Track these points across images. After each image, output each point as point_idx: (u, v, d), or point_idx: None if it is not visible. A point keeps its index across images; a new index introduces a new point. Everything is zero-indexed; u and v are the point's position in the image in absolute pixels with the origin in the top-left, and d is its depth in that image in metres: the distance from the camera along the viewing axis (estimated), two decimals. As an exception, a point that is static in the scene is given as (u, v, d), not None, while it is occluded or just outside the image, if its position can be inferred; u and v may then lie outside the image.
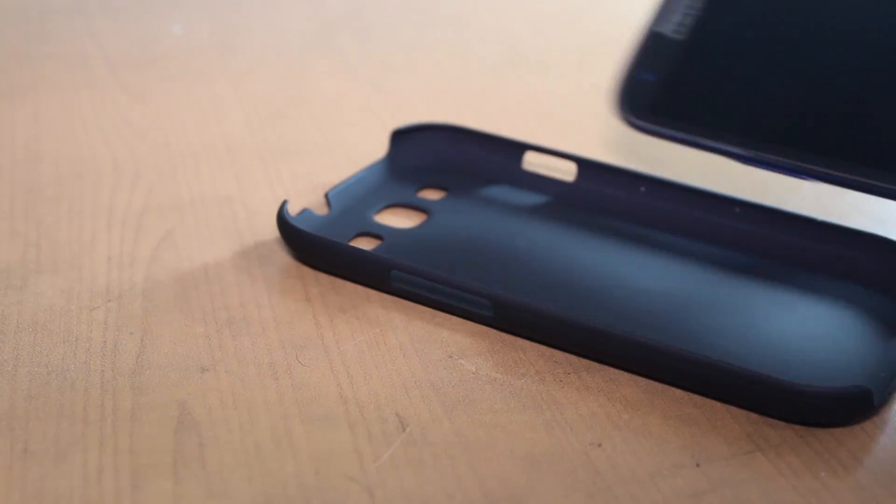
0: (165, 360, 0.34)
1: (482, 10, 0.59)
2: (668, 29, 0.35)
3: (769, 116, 0.35)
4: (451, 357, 0.34)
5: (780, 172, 0.34)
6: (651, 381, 0.33)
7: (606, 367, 0.34)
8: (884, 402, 0.32)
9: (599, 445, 0.31)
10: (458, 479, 0.30)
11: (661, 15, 0.36)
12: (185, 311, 0.36)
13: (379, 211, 0.40)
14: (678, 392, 0.33)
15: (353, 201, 0.40)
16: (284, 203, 0.38)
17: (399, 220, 0.40)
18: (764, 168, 0.34)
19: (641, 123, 0.35)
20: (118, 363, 0.34)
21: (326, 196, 0.40)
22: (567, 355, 0.34)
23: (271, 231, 0.40)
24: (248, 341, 0.35)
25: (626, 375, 0.33)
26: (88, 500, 0.29)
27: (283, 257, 0.39)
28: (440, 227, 0.39)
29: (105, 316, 0.36)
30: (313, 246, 0.37)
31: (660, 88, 0.35)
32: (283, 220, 0.38)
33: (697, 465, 0.30)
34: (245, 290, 0.37)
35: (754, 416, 0.32)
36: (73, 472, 0.30)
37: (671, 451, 0.31)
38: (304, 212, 0.39)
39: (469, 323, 0.36)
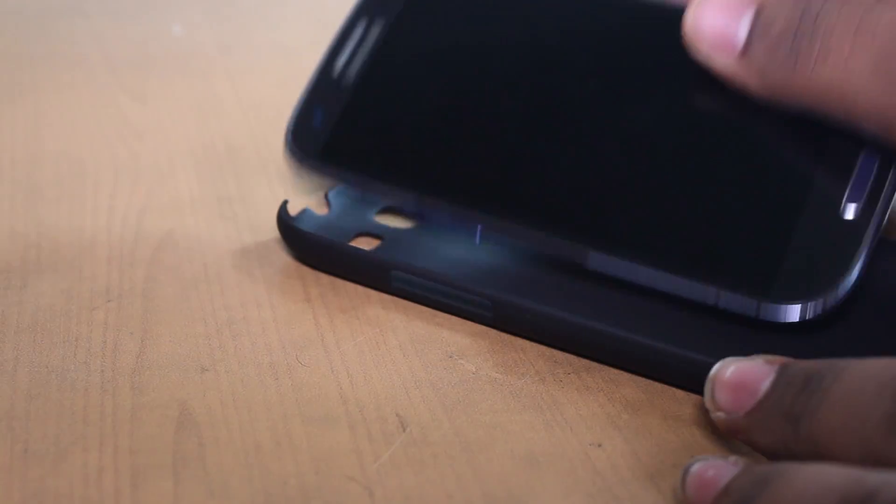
0: (165, 360, 0.34)
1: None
2: (339, 67, 0.35)
3: (437, 166, 0.35)
4: (451, 357, 0.34)
5: (448, 224, 0.34)
6: (651, 381, 0.33)
7: (606, 367, 0.34)
8: None
9: (599, 445, 0.31)
10: (458, 479, 0.30)
11: (334, 51, 0.35)
12: (185, 311, 0.36)
13: (379, 211, 0.40)
14: (678, 392, 0.33)
15: (353, 201, 0.40)
16: (284, 203, 0.38)
17: (399, 220, 0.40)
18: (431, 220, 0.34)
19: (307, 165, 0.35)
20: (118, 363, 0.34)
21: (326, 196, 0.40)
22: (567, 355, 0.34)
23: (271, 231, 0.40)
24: (248, 341, 0.35)
25: (626, 375, 0.33)
26: (88, 500, 0.29)
27: (283, 257, 0.39)
28: (440, 227, 0.39)
29: (105, 316, 0.36)
30: (313, 246, 0.37)
31: (330, 130, 0.35)
32: (282, 221, 0.38)
33: (697, 465, 0.30)
34: (245, 290, 0.37)
35: (754, 416, 0.32)
36: (73, 472, 0.30)
37: (671, 451, 0.31)
38: (304, 212, 0.39)
39: (469, 323, 0.36)
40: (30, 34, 0.55)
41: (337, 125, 0.36)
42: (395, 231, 0.39)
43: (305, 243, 0.37)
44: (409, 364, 0.34)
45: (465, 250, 0.38)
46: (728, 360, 0.30)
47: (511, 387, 0.33)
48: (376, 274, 0.36)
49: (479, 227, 0.34)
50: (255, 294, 0.37)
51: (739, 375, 0.29)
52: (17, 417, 0.32)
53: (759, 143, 0.34)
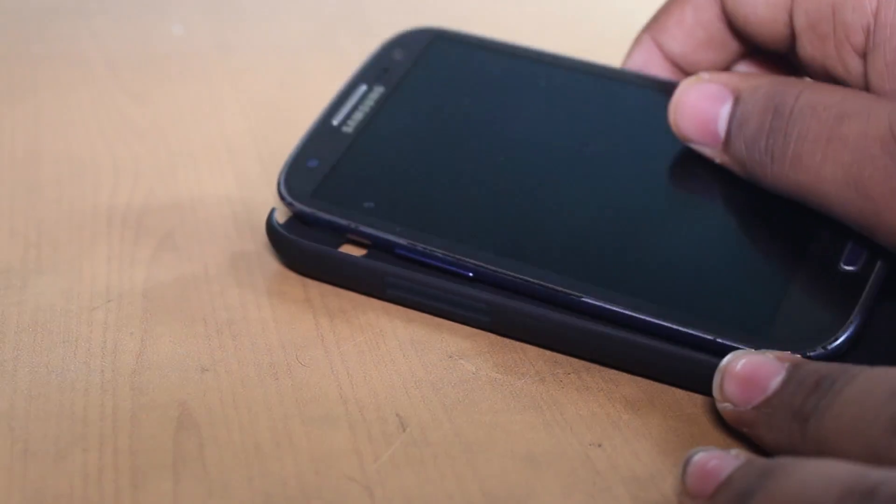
0: (165, 360, 0.34)
1: (482, 9, 0.59)
2: (339, 121, 0.37)
3: (434, 210, 0.36)
4: (450, 357, 0.34)
5: (442, 266, 0.35)
6: (651, 381, 0.33)
7: (606, 367, 0.34)
8: None
9: (599, 445, 0.31)
10: (458, 479, 0.30)
11: (334, 107, 0.38)
12: (185, 311, 0.36)
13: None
14: (678, 392, 0.33)
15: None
16: (273, 211, 0.37)
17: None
18: (427, 262, 0.35)
19: (300, 206, 0.36)
20: (118, 363, 0.34)
21: None
22: (567, 355, 0.34)
23: (271, 231, 0.40)
24: (248, 341, 0.35)
25: (626, 375, 0.34)
26: (88, 500, 0.29)
27: (283, 257, 0.39)
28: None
29: (105, 316, 0.36)
30: (302, 254, 0.36)
31: (324, 174, 0.36)
32: (271, 228, 0.37)
33: (697, 465, 0.30)
34: (245, 290, 0.37)
35: (754, 416, 0.32)
36: (73, 472, 0.30)
37: (671, 451, 0.31)
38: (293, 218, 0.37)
39: (469, 323, 0.36)
40: (30, 34, 0.55)
41: (331, 171, 0.37)
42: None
43: (295, 251, 0.37)
44: (409, 364, 0.34)
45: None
46: (739, 352, 0.30)
47: (511, 387, 0.33)
48: (370, 281, 0.36)
49: (469, 272, 0.34)
50: (255, 294, 0.37)
51: (750, 369, 0.29)
52: (17, 417, 0.32)
53: (762, 204, 0.35)
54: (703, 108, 0.35)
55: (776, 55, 0.38)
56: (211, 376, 0.33)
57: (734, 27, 0.37)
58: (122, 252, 0.39)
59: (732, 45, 0.38)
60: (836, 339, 0.31)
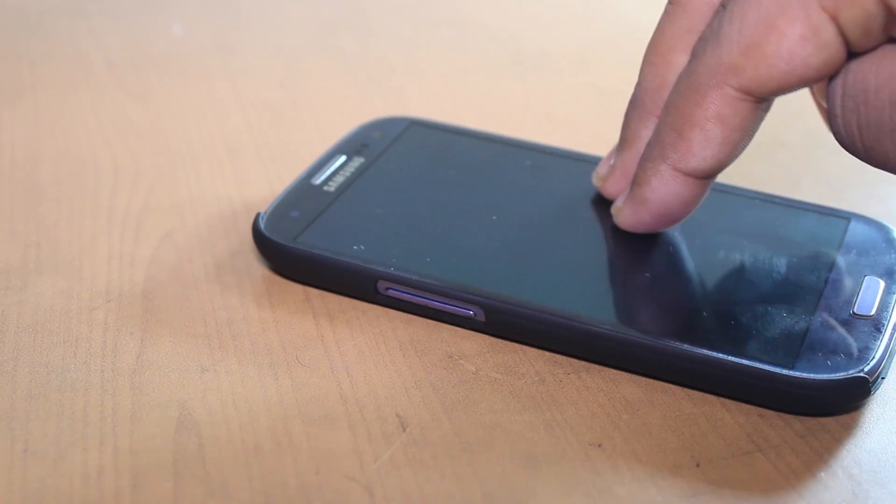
0: (165, 360, 0.34)
1: (482, 10, 0.59)
2: (319, 181, 0.40)
3: (413, 254, 0.37)
4: (450, 357, 0.34)
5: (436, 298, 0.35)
6: (651, 381, 0.33)
7: (606, 367, 0.34)
8: (877, 388, 0.32)
9: (599, 445, 0.31)
10: (458, 479, 0.30)
11: (313, 171, 0.40)
12: (185, 311, 0.36)
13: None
14: (678, 392, 0.33)
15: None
16: (258, 216, 0.37)
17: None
18: (424, 300, 0.35)
19: (282, 244, 0.37)
20: (118, 363, 0.34)
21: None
22: (567, 355, 0.34)
23: (271, 231, 0.40)
24: (248, 341, 0.35)
25: (626, 375, 0.34)
26: (88, 500, 0.29)
27: (283, 257, 0.39)
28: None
29: (105, 316, 0.36)
30: (290, 258, 0.37)
31: (304, 222, 0.38)
32: (258, 232, 0.37)
33: (697, 465, 0.30)
34: (245, 289, 0.37)
35: (754, 416, 0.32)
36: (73, 472, 0.30)
37: (671, 451, 0.31)
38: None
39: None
40: (30, 34, 0.55)
41: (312, 220, 0.38)
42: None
43: (285, 255, 0.37)
44: (409, 364, 0.34)
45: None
46: None
47: (511, 387, 0.33)
48: (361, 285, 0.36)
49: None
50: (255, 294, 0.37)
51: None
52: (17, 417, 0.32)
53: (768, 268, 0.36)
54: None
55: None
56: (211, 376, 0.33)
57: None
58: (122, 252, 0.39)
59: None
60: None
